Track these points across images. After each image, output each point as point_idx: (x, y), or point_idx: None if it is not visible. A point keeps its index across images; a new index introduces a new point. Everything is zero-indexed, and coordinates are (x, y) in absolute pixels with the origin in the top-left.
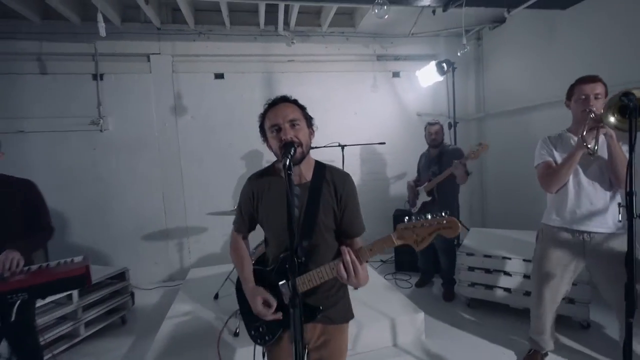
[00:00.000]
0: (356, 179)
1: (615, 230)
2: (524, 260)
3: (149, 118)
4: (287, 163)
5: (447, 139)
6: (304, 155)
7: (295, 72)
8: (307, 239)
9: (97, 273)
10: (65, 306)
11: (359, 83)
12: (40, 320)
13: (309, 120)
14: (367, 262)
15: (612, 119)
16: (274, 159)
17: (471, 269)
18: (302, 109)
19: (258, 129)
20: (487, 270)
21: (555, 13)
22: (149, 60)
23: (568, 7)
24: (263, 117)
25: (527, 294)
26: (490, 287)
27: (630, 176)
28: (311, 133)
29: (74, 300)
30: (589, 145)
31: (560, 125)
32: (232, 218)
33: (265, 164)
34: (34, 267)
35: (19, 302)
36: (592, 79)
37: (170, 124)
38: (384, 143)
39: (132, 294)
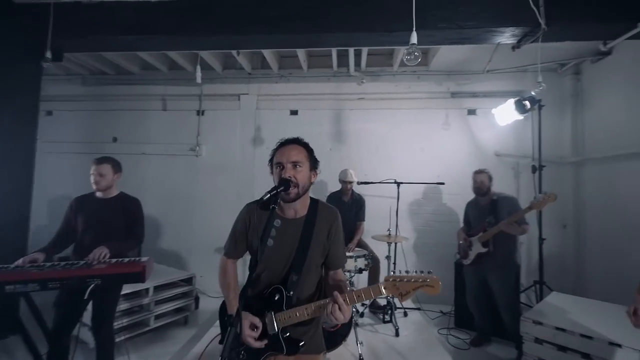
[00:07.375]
0: (414, 218)
1: None
2: (610, 344)
3: (232, 147)
4: (267, 198)
5: (506, 187)
6: (299, 195)
7: (364, 109)
8: (297, 273)
9: (171, 274)
10: (143, 298)
11: (429, 120)
12: (123, 306)
13: (313, 162)
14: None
15: None
16: (336, 188)
17: (538, 341)
18: (309, 152)
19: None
20: (560, 348)
21: None
22: (239, 99)
23: None
24: (273, 153)
25: None
26: None
27: None
28: (313, 175)
29: (149, 293)
30: None
31: None
32: None
33: (328, 193)
34: (113, 260)
35: (92, 285)
36: None
37: (248, 152)
38: (443, 183)
39: (197, 299)
